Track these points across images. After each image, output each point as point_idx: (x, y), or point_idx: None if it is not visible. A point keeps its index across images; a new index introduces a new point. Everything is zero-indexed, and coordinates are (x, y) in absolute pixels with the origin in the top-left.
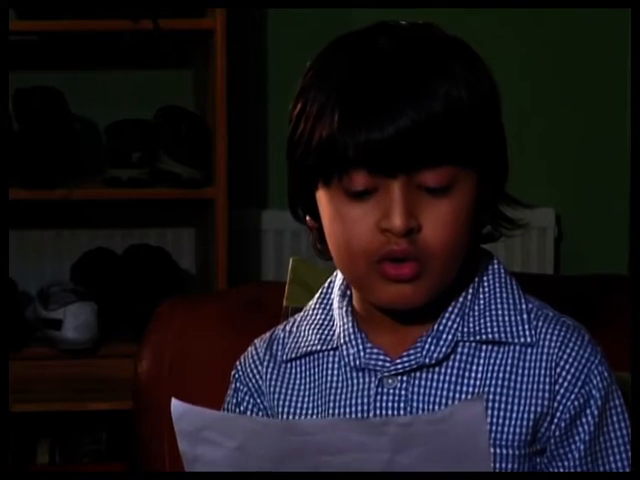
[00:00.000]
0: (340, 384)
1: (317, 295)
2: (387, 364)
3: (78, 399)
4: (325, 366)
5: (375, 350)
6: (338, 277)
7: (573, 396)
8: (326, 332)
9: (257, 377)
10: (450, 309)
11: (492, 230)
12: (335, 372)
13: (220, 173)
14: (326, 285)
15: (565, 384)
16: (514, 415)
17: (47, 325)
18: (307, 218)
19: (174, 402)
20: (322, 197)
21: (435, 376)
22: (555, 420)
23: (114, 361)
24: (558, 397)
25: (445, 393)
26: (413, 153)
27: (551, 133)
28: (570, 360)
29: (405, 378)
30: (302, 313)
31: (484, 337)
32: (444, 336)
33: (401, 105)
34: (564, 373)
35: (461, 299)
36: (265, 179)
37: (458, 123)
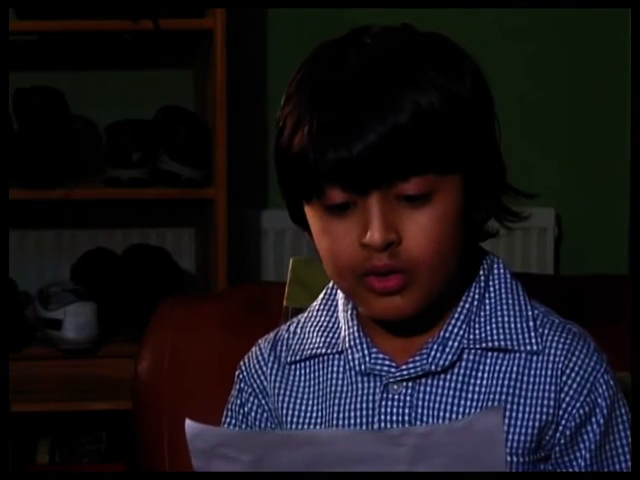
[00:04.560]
0: (345, 388)
1: (321, 296)
2: (392, 370)
3: (78, 399)
4: (330, 369)
5: (380, 355)
6: None
7: (578, 404)
8: (331, 335)
9: (262, 378)
10: (456, 315)
11: (494, 225)
12: (340, 376)
13: (220, 173)
14: (330, 286)
15: (571, 392)
16: (519, 422)
17: (47, 325)
18: (305, 233)
19: (188, 422)
20: (308, 213)
21: (440, 383)
22: (560, 428)
23: (114, 361)
24: (563, 405)
25: (450, 400)
26: (384, 168)
27: (551, 133)
28: (576, 368)
29: (410, 384)
30: (306, 314)
31: (490, 344)
32: (450, 343)
33: (366, 120)
34: (570, 381)
35: (467, 305)
36: (265, 179)
37: (429, 132)
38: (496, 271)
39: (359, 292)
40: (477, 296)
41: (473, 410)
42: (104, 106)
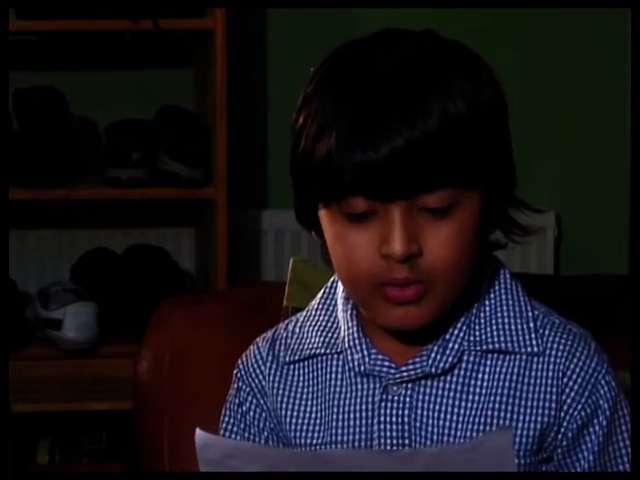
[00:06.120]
0: (344, 389)
1: (320, 295)
2: (392, 371)
3: (78, 399)
4: (329, 370)
5: (380, 356)
6: None
7: (580, 406)
8: (330, 335)
9: (260, 377)
10: (457, 318)
11: (502, 237)
12: (339, 377)
13: (220, 173)
14: (329, 285)
15: (572, 394)
16: (520, 425)
17: (47, 325)
18: (313, 233)
19: (198, 432)
20: (324, 217)
21: (440, 385)
22: (562, 430)
23: (114, 361)
24: (565, 407)
25: (451, 402)
26: (410, 176)
27: (551, 133)
28: (577, 370)
29: (410, 386)
30: (304, 313)
31: (490, 346)
32: (450, 345)
33: (395, 124)
34: (571, 383)
35: (467, 307)
36: (265, 179)
37: (456, 139)
38: (496, 272)
39: (374, 302)
40: (479, 297)
41: (473, 412)
42: (104, 106)
